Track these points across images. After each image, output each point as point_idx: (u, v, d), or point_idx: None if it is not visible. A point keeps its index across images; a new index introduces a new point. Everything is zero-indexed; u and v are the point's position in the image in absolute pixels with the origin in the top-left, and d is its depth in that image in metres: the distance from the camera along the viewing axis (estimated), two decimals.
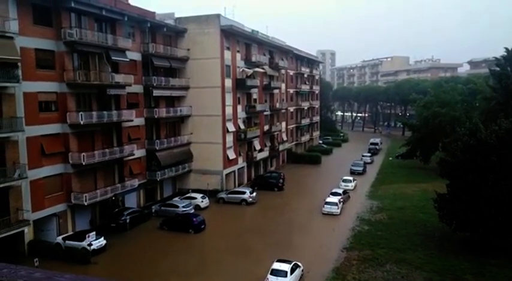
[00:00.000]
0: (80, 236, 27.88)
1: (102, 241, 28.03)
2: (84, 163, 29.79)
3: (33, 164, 27.34)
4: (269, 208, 40.03)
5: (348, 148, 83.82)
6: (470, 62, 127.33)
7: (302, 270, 23.96)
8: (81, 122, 29.68)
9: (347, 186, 46.28)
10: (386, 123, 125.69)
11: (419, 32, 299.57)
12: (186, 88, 43.78)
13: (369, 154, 68.97)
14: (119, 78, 33.65)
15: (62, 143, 29.66)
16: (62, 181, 29.84)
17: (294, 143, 69.17)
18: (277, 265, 22.89)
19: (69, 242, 27.65)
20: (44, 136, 28.29)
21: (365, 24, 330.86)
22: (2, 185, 24.86)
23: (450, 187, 28.74)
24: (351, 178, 48.60)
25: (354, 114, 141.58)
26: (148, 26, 38.71)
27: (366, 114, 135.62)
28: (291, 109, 67.81)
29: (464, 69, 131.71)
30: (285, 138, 63.49)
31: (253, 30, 50.22)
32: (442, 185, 30.73)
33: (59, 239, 28.18)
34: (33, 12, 27.42)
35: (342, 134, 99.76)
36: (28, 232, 26.93)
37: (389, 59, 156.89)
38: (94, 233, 27.90)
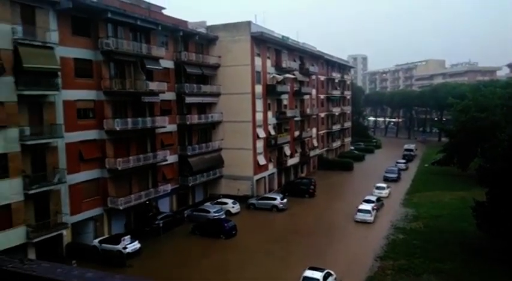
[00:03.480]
0: (116, 239, 28.64)
1: (136, 245, 28.66)
2: (119, 168, 30.69)
3: (71, 169, 28.44)
4: (300, 214, 39.65)
5: (381, 154, 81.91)
6: (509, 65, 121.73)
7: (335, 278, 23.51)
8: (117, 129, 30.64)
9: (381, 193, 45.15)
10: (421, 129, 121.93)
11: (453, 35, 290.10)
12: (217, 95, 44.33)
13: (404, 161, 67.08)
14: (153, 86, 34.55)
15: (99, 149, 30.71)
16: (99, 186, 30.83)
17: (325, 149, 68.38)
18: (309, 273, 22.57)
19: (105, 245, 28.45)
20: (82, 142, 29.39)
21: (396, 27, 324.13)
22: (42, 189, 25.99)
23: (490, 194, 27.43)
24: (384, 185, 47.40)
25: (387, 119, 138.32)
26: (181, 35, 39.59)
27: (400, 120, 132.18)
28: (322, 115, 67.17)
29: (503, 73, 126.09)
30: (315, 144, 62.90)
31: (283, 37, 50.30)
32: (481, 193, 29.39)
33: (96, 242, 29.06)
34: (72, 23, 28.70)
35: (374, 140, 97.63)
36: (66, 235, 27.92)
37: (424, 63, 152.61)
38: (129, 236, 28.62)
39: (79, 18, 29.21)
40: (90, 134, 30.12)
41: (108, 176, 31.13)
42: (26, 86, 24.98)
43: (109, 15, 30.08)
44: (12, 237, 24.28)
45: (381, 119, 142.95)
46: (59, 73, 27.18)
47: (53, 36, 26.84)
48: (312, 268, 23.14)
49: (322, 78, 66.98)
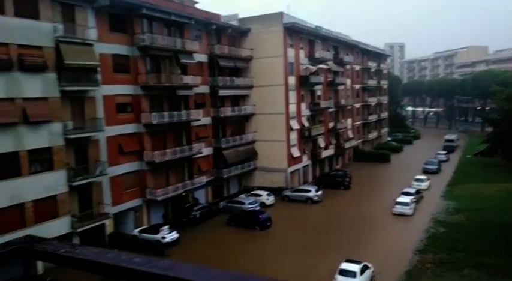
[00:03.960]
0: (155, 229, 29.55)
1: (174, 235, 29.45)
2: (157, 161, 31.53)
3: (112, 161, 29.52)
4: (335, 206, 39.20)
5: (420, 145, 79.26)
6: None
7: (373, 271, 23.11)
8: (154, 122, 31.42)
9: (420, 185, 43.76)
10: (463, 119, 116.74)
11: (496, 20, 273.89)
12: (250, 87, 44.39)
13: (444, 152, 64.50)
14: (188, 79, 35.10)
15: (137, 142, 31.66)
16: (138, 178, 31.83)
17: (360, 140, 67.00)
18: (345, 265, 22.30)
19: (144, 235, 29.44)
20: (121, 136, 30.39)
21: (435, 14, 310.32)
22: (85, 181, 27.18)
23: None
24: (424, 177, 45.88)
25: (427, 109, 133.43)
26: (214, 28, 39.86)
27: (440, 109, 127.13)
28: (357, 105, 65.77)
29: None
30: (350, 135, 61.75)
31: (316, 26, 49.49)
32: None
33: (136, 231, 30.11)
34: (110, 20, 29.57)
35: (413, 131, 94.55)
36: (108, 225, 29.09)
37: (465, 50, 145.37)
38: (167, 226, 29.47)
39: (116, 15, 30.03)
40: (129, 128, 31.07)
41: (146, 169, 32.06)
42: (68, 82, 26.07)
43: (144, 11, 30.72)
44: (58, 227, 25.56)
45: (420, 109, 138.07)
46: (98, 69, 28.15)
47: (92, 34, 27.79)
48: (348, 261, 22.85)
49: (357, 68, 65.47)
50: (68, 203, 26.28)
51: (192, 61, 36.13)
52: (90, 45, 27.52)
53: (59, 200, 25.72)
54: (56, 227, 25.37)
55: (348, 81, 61.11)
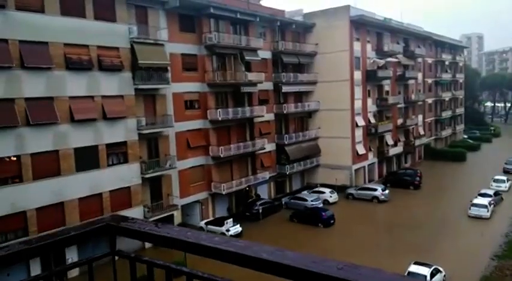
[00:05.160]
0: (220, 222, 30.50)
1: (238, 228, 30.18)
2: (222, 156, 32.48)
3: (180, 155, 30.95)
4: (403, 207, 37.41)
5: (500, 143, 72.71)
6: None
7: (444, 276, 21.77)
8: (220, 118, 32.37)
9: (499, 187, 40.26)
10: None
11: None
12: (314, 83, 43.85)
13: None
14: (252, 76, 35.62)
15: (203, 137, 32.86)
16: (204, 172, 33.06)
17: (432, 137, 63.13)
18: (414, 268, 21.26)
19: (210, 227, 30.53)
20: (189, 131, 31.74)
21: None
22: (156, 174, 28.82)
23: None
24: (504, 178, 42.11)
25: (508, 105, 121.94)
26: (278, 25, 39.94)
27: None
28: (429, 101, 61.98)
29: None
30: (421, 132, 58.44)
31: (385, 18, 47.47)
32: None
33: (202, 223, 31.33)
34: (179, 21, 30.93)
35: (492, 128, 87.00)
36: (177, 216, 30.59)
37: None
38: (231, 219, 30.25)
39: (185, 16, 31.33)
40: (196, 124, 32.33)
41: (211, 163, 33.17)
42: (142, 81, 27.76)
43: (211, 10, 31.68)
44: (132, 215, 26.96)
45: (500, 104, 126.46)
46: (169, 68, 29.61)
47: (163, 34, 29.29)
48: (418, 263, 21.75)
49: (429, 60, 61.67)
50: (140, 194, 28.05)
51: (256, 58, 36.57)
52: (162, 45, 29.02)
53: (132, 191, 27.55)
54: (130, 216, 27.11)
55: (420, 75, 57.82)
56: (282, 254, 1.38)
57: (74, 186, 24.21)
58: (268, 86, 39.45)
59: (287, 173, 40.22)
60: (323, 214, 32.80)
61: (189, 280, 1.51)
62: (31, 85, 22.40)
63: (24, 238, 21.42)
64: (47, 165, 23.19)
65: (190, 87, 31.75)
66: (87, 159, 25.13)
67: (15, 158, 22.08)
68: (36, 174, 22.70)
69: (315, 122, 44.46)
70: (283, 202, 38.25)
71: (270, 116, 39.47)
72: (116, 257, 1.79)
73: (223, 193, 32.64)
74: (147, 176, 28.13)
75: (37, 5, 22.71)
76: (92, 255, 1.72)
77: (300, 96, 43.48)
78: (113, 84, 26.30)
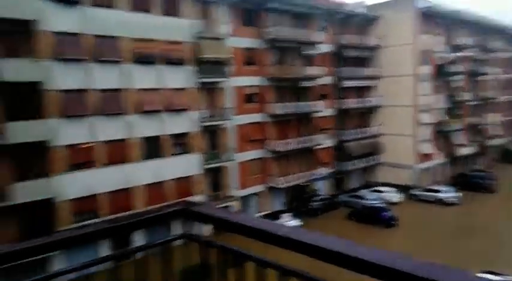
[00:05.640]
0: (275, 215, 30.54)
1: (295, 222, 30.00)
2: (280, 150, 32.49)
3: (239, 148, 31.47)
4: (475, 211, 34.72)
5: None
6: None
7: None
8: (278, 113, 32.42)
9: None
10: None
11: None
12: (376, 78, 42.30)
13: None
14: (311, 70, 35.21)
15: (261, 131, 33.11)
16: (262, 165, 33.31)
17: (510, 138, 57.98)
18: (482, 276, 19.59)
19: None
20: (248, 124, 32.16)
21: None
22: (216, 165, 29.58)
23: None
24: None
25: None
26: (340, 17, 39.07)
27: None
28: (506, 98, 57.02)
29: None
30: (497, 132, 53.91)
31: (456, 10, 44.43)
32: None
33: (258, 216, 31.57)
34: (241, 15, 31.43)
35: None
36: (235, 207, 31.15)
37: None
38: (289, 214, 30.17)
39: (246, 10, 31.77)
40: (255, 117, 32.67)
41: (269, 157, 33.34)
42: (204, 74, 28.62)
43: (272, 4, 31.80)
44: None
45: None
46: (230, 62, 30.21)
47: (226, 29, 29.95)
48: (487, 272, 20.09)
49: (507, 55, 56.72)
50: (201, 183, 28.95)
51: (316, 52, 36.10)
52: (224, 39, 29.68)
53: (194, 180, 28.53)
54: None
55: (495, 71, 53.38)
56: (353, 247, 1.33)
57: (140, 173, 25.62)
58: (328, 80, 38.74)
59: (346, 170, 39.26)
60: (384, 214, 31.55)
61: (259, 267, 1.51)
62: (103, 77, 24.04)
63: (97, 220, 23.09)
64: (116, 152, 24.80)
65: (250, 81, 32.14)
66: (152, 148, 26.46)
67: (89, 145, 23.85)
68: (107, 160, 24.37)
69: (376, 119, 42.89)
70: (340, 200, 37.38)
71: (329, 112, 38.76)
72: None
73: (281, 187, 32.66)
74: (208, 167, 28.97)
75: (110, 0, 24.35)
76: (163, 238, 1.78)
77: (361, 92, 42.18)
78: (177, 78, 27.41)
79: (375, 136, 42.41)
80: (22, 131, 20.35)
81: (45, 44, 21.74)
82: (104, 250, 21.57)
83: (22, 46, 21.25)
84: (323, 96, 37.97)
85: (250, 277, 1.66)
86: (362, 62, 42.00)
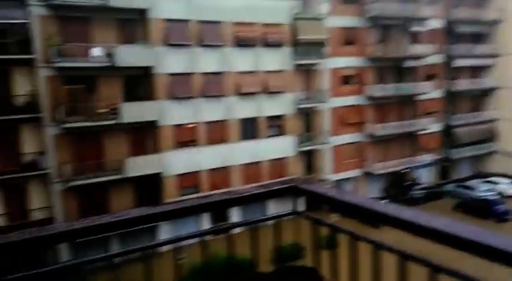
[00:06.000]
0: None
1: None
2: (378, 134, 30.98)
3: (334, 131, 30.76)
4: None
5: None
6: None
7: None
8: (378, 95, 30.76)
9: None
10: None
11: None
12: (494, 56, 37.35)
13: None
14: (417, 49, 32.51)
15: (359, 114, 31.83)
16: (357, 149, 32.17)
17: None
18: None
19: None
20: (344, 107, 31.15)
21: None
22: (310, 148, 29.41)
23: None
24: None
25: None
26: None
27: None
28: None
29: None
30: None
31: None
32: None
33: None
34: None
35: None
36: None
37: None
38: (387, 202, 28.81)
39: None
40: (352, 100, 31.48)
41: (366, 141, 32.01)
42: (300, 56, 28.29)
43: None
44: None
45: None
46: (327, 42, 29.36)
47: (324, 8, 29.05)
48: None
49: None
50: (294, 165, 29.11)
51: (424, 28, 33.12)
52: (322, 19, 28.86)
53: (287, 162, 28.81)
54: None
55: None
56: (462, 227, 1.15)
57: (237, 153, 26.69)
58: (437, 59, 35.37)
59: (453, 158, 35.91)
60: (497, 207, 28.36)
61: (377, 249, 1.46)
62: (206, 61, 25.25)
63: (198, 195, 24.81)
64: (216, 133, 26.13)
65: (347, 62, 30.91)
66: (249, 129, 27.28)
67: (192, 125, 25.49)
68: (209, 140, 25.83)
69: (492, 102, 38.15)
70: (446, 189, 34.45)
71: (436, 94, 35.55)
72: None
73: (377, 173, 31.26)
74: (301, 149, 28.95)
75: None
76: (276, 213, 1.82)
77: (475, 72, 37.75)
78: (274, 60, 27.56)
79: (489, 121, 37.86)
80: (135, 111, 22.53)
81: (156, 31, 23.52)
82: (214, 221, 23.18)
83: (137, 33, 23.34)
84: (430, 77, 34.90)
85: (363, 259, 1.64)
86: (477, 38, 37.39)
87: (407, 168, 33.13)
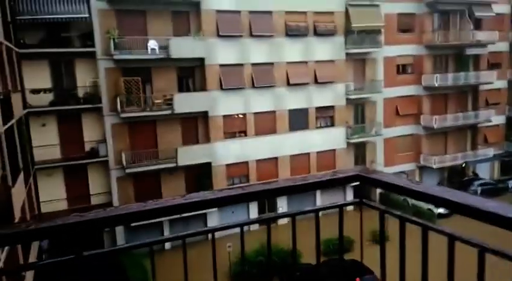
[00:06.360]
0: None
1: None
2: (435, 126, 29.47)
3: (387, 123, 29.66)
4: None
5: None
6: None
7: None
8: (436, 85, 29.17)
9: None
10: None
11: None
12: None
13: None
14: (481, 36, 30.37)
15: (415, 105, 30.42)
16: (412, 142, 30.85)
17: None
18: None
19: (414, 201, 28.54)
20: (398, 97, 29.89)
21: None
22: (361, 140, 28.61)
23: None
24: None
25: None
26: None
27: None
28: None
29: None
30: None
31: None
32: None
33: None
34: None
35: None
36: None
37: None
38: None
39: None
40: (407, 90, 30.12)
41: (422, 133, 30.60)
42: (353, 45, 27.44)
43: None
44: None
45: None
46: (382, 30, 28.18)
47: None
48: None
49: None
50: (344, 157, 28.50)
51: (489, 14, 30.77)
52: (377, 6, 27.72)
53: (337, 154, 28.26)
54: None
55: None
56: None
57: (286, 144, 26.57)
58: (503, 47, 32.84)
59: None
60: None
61: (451, 241, 1.37)
62: (256, 52, 25.22)
63: (246, 185, 25.09)
64: (265, 123, 26.14)
65: (404, 50, 29.52)
66: (298, 120, 27.00)
67: (242, 116, 25.69)
68: (257, 131, 25.93)
69: None
70: (510, 185, 32.18)
71: (501, 83, 33.09)
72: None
73: (434, 166, 29.81)
74: (352, 141, 28.25)
75: None
76: (338, 202, 1.82)
77: None
78: (325, 49, 26.94)
79: None
80: (188, 102, 23.09)
81: (208, 22, 23.81)
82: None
83: (190, 25, 23.80)
84: (494, 66, 32.50)
85: (434, 250, 1.59)
86: None
87: (466, 162, 31.28)
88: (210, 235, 1.60)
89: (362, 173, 1.72)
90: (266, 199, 1.58)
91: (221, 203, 1.50)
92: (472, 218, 1.27)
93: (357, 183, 1.75)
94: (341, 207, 1.87)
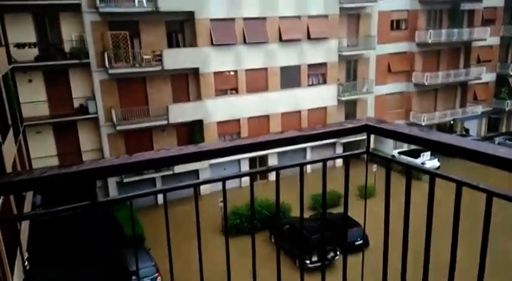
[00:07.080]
0: (416, 153, 28.61)
1: (435, 162, 27.78)
2: (426, 83, 29.52)
3: (379, 80, 29.58)
4: None
5: None
6: None
7: None
8: (429, 41, 28.84)
9: None
10: None
11: None
12: None
13: None
14: None
15: (407, 61, 30.22)
16: (403, 99, 30.99)
17: None
18: None
19: (402, 157, 29.12)
20: (391, 54, 29.63)
21: None
22: (353, 97, 28.61)
23: None
24: None
25: None
26: None
27: None
28: None
29: None
30: None
31: None
32: None
33: (395, 152, 30.21)
34: None
35: None
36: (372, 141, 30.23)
37: None
38: (429, 152, 28.10)
39: None
40: (400, 47, 29.81)
41: (413, 91, 30.67)
42: None
43: None
44: None
45: None
46: None
47: None
48: None
49: None
50: (335, 115, 28.61)
51: None
52: None
53: (328, 112, 28.33)
54: None
55: None
56: None
57: (277, 102, 26.45)
58: (499, 2, 32.25)
59: (506, 109, 33.84)
60: None
61: (458, 187, 1.41)
62: (248, 5, 24.37)
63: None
64: (257, 81, 25.84)
65: (398, 4, 28.89)
66: (290, 78, 26.72)
67: (233, 73, 25.29)
68: (249, 88, 25.66)
69: None
70: (496, 142, 32.92)
71: (494, 40, 32.84)
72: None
73: (423, 124, 30.16)
74: (343, 99, 28.23)
75: None
76: (346, 152, 1.84)
77: None
78: (319, 3, 26.17)
79: None
80: (177, 58, 22.53)
81: None
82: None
83: None
84: (488, 22, 32.08)
85: (441, 196, 1.58)
86: None
87: (454, 119, 31.72)
88: (196, 190, 1.64)
89: (370, 123, 1.71)
90: (273, 148, 1.56)
91: (229, 152, 1.50)
92: (487, 165, 1.31)
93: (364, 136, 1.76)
94: (347, 158, 1.91)
